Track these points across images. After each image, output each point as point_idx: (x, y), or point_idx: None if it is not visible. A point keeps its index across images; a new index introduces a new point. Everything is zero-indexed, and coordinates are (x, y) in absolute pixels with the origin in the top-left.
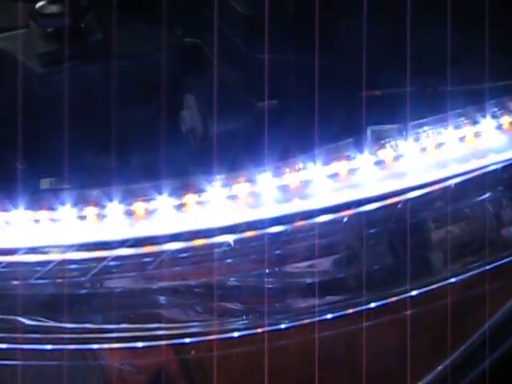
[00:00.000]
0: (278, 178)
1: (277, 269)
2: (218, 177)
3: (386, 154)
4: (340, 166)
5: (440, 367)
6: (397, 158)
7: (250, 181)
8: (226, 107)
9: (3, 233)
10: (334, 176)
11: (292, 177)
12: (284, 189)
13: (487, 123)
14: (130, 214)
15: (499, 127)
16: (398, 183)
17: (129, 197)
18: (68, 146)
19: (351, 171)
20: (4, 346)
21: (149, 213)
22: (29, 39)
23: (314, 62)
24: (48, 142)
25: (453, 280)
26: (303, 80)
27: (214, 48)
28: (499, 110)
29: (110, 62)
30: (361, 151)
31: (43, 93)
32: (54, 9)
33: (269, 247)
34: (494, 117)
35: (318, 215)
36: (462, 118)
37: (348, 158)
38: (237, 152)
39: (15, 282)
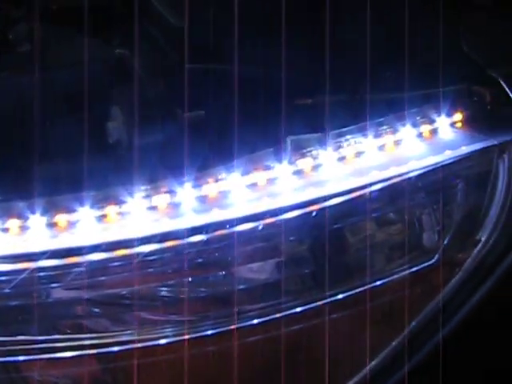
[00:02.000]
0: (197, 189)
1: (197, 277)
2: (141, 187)
3: (304, 163)
4: (259, 176)
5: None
6: (316, 167)
7: (170, 192)
8: (150, 119)
9: None
10: (253, 186)
11: (211, 187)
12: (203, 199)
13: (407, 131)
14: (52, 225)
15: (419, 135)
16: (316, 192)
17: (51, 209)
18: None
19: (270, 181)
20: None
21: (71, 224)
22: None
23: (238, 72)
24: None
25: (378, 283)
26: (226, 90)
27: (140, 59)
28: (420, 118)
29: (37, 73)
30: (280, 161)
31: None
32: None
33: (188, 256)
34: (414, 125)
35: (237, 224)
36: (384, 127)
37: (266, 168)
38: (159, 163)
39: None
